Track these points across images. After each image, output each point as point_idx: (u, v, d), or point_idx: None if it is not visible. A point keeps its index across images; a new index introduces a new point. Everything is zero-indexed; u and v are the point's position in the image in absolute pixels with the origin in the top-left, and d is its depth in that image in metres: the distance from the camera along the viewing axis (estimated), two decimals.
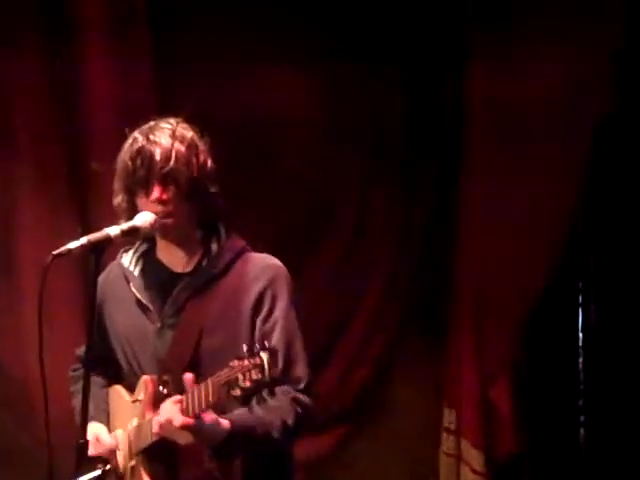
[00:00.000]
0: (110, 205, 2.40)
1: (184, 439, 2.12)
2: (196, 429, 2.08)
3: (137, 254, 2.45)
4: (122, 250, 2.49)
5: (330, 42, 4.15)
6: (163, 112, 2.44)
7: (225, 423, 2.15)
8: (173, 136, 2.29)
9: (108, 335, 2.44)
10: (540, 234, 4.34)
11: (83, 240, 2.12)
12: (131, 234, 2.23)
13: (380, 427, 4.36)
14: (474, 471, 4.36)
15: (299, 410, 2.23)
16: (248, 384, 1.90)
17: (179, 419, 2.06)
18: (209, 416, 2.08)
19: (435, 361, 4.50)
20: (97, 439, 2.33)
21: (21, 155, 3.62)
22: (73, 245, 2.12)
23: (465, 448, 4.40)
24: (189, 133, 2.34)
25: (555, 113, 4.26)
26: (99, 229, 2.19)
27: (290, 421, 2.21)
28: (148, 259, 2.43)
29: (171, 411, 2.08)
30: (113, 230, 2.18)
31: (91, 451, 2.26)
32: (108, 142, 3.38)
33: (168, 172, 2.26)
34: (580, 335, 4.83)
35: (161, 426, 2.11)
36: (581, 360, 4.82)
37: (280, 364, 1.99)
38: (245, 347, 1.95)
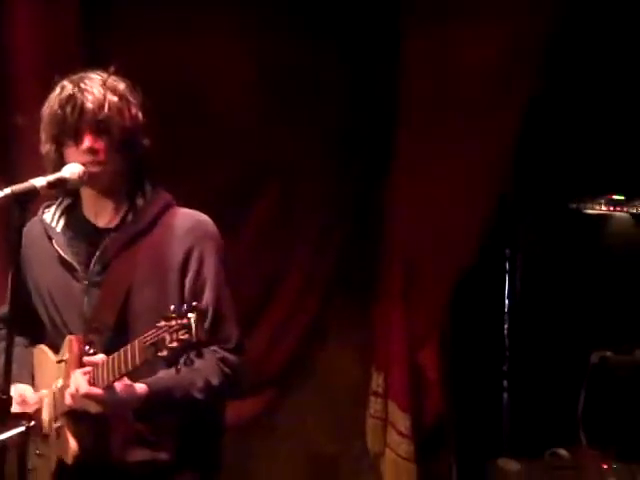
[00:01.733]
0: (35, 160, 2.33)
1: (93, 408, 2.09)
2: (104, 399, 2.06)
3: (60, 210, 2.38)
4: (43, 206, 2.41)
5: (266, 10, 4.09)
6: (91, 65, 2.37)
7: (141, 389, 2.12)
8: (105, 86, 2.24)
9: (30, 294, 2.38)
10: (469, 202, 4.38)
11: (7, 191, 2.04)
12: (58, 186, 2.16)
13: (308, 390, 4.38)
14: (400, 433, 4.41)
15: (226, 370, 2.21)
16: (175, 344, 1.87)
17: (84, 388, 2.04)
18: (122, 384, 2.05)
19: (364, 325, 4.53)
20: (23, 399, 2.28)
21: None
22: None
23: (392, 411, 4.44)
24: (121, 85, 2.29)
25: (488, 84, 4.28)
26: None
27: (215, 381, 2.19)
28: (71, 214, 2.37)
29: (79, 381, 2.06)
30: (39, 181, 2.10)
31: (16, 409, 2.21)
32: (32, 94, 3.28)
33: (100, 121, 2.21)
34: (506, 302, 4.92)
35: (72, 396, 2.09)
36: (506, 326, 4.91)
37: (207, 324, 1.96)
38: (172, 307, 1.92)
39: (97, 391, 2.05)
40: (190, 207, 2.38)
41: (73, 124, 2.21)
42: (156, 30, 3.87)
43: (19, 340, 2.41)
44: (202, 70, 3.95)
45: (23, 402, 2.28)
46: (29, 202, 2.09)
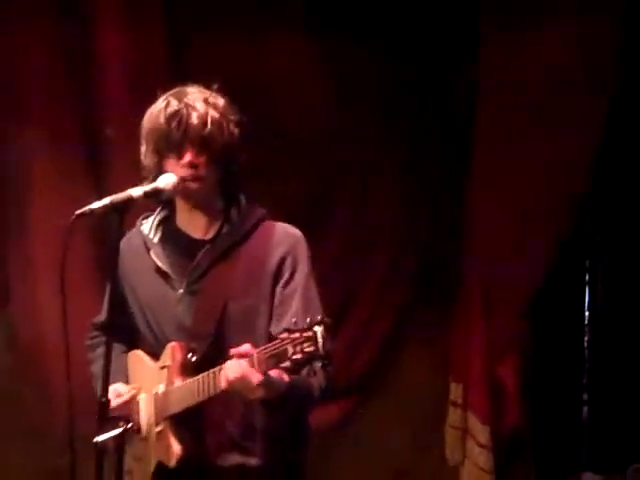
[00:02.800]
0: (123, 171, 2.40)
1: (254, 394, 2.11)
2: (266, 384, 2.08)
3: (156, 221, 2.45)
4: (141, 217, 2.49)
5: (342, 25, 4.12)
6: (176, 80, 2.43)
7: (285, 376, 2.15)
8: (207, 102, 2.29)
9: (127, 302, 2.44)
10: (548, 213, 4.33)
11: (106, 200, 2.12)
12: (154, 195, 2.23)
13: (387, 400, 4.39)
14: (480, 444, 4.38)
15: (326, 377, 2.25)
16: (299, 356, 1.91)
17: (257, 376, 2.05)
18: (274, 371, 2.09)
19: (443, 336, 4.52)
20: (117, 393, 2.35)
21: (35, 120, 3.59)
22: (96, 205, 2.11)
23: (471, 422, 4.42)
24: (221, 100, 2.34)
25: (567, 92, 4.25)
26: (114, 194, 2.17)
27: (324, 384, 2.24)
28: (168, 226, 2.43)
29: (242, 368, 2.06)
30: (136, 191, 2.17)
31: (112, 403, 2.28)
32: (122, 107, 3.37)
33: (204, 137, 2.26)
34: (586, 314, 4.85)
35: (230, 382, 2.09)
36: (587, 339, 4.84)
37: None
38: (294, 319, 1.96)
39: (260, 376, 2.07)
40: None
41: (178, 139, 2.27)
42: (235, 47, 3.93)
43: (116, 345, 2.49)
44: (280, 86, 4.00)
45: (118, 395, 2.34)
46: (126, 212, 2.15)
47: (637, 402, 4.61)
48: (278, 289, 2.30)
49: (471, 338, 4.43)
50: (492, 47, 4.29)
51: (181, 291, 2.34)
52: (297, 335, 1.91)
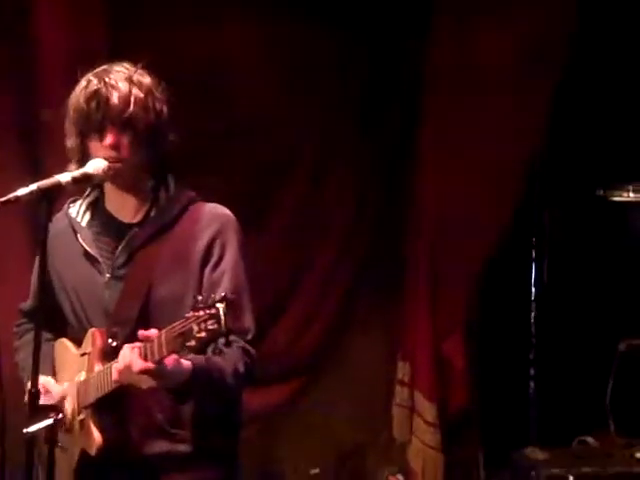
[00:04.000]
0: (62, 156, 2.34)
1: (145, 384, 2.08)
2: (157, 373, 2.05)
3: (84, 204, 2.39)
4: (69, 201, 2.42)
5: None
6: (115, 58, 2.37)
7: (187, 364, 2.12)
8: (130, 81, 2.23)
9: (54, 288, 2.39)
10: (495, 189, 4.35)
11: (32, 187, 2.07)
12: (83, 181, 2.18)
13: (334, 379, 4.40)
14: (426, 422, 4.41)
15: (247, 360, 2.22)
16: (203, 334, 1.87)
17: (139, 364, 2.03)
18: (170, 359, 2.05)
19: (390, 315, 4.53)
20: (46, 390, 2.30)
21: None
22: (21, 192, 2.06)
23: (418, 400, 4.44)
24: (147, 79, 2.28)
25: (517, 63, 4.25)
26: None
27: (241, 368, 2.20)
28: (96, 209, 2.37)
29: (130, 357, 2.04)
30: (64, 177, 2.12)
31: (41, 401, 2.23)
32: (58, 89, 3.29)
33: (126, 117, 2.21)
34: (532, 289, 4.89)
35: (120, 372, 2.07)
36: (533, 314, 4.88)
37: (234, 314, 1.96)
38: (199, 297, 1.92)
39: (150, 365, 2.04)
40: (218, 196, 2.38)
41: (98, 119, 2.21)
42: (176, 23, 3.87)
43: (42, 334, 2.44)
44: (223, 58, 3.95)
45: (47, 392, 2.29)
46: (55, 198, 2.11)
47: (582, 377, 4.67)
48: (206, 271, 2.26)
49: (418, 316, 4.45)
50: (443, 18, 4.27)
51: (108, 276, 2.29)
52: (201, 313, 1.88)
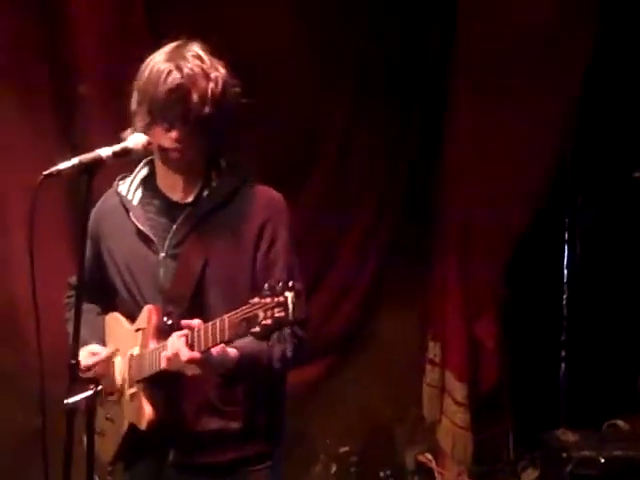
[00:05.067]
0: (97, 127, 2.34)
1: (191, 371, 2.12)
2: (202, 362, 2.08)
3: (135, 183, 2.40)
4: (118, 178, 2.43)
5: None
6: (152, 44, 2.34)
7: (233, 352, 2.15)
8: (208, 78, 2.21)
9: (105, 264, 2.40)
10: (527, 170, 4.33)
11: (74, 160, 2.07)
12: (123, 155, 2.17)
13: (365, 359, 4.41)
14: (457, 402, 4.42)
15: (296, 342, 2.24)
16: (269, 322, 1.87)
17: (185, 353, 2.06)
18: (216, 348, 2.08)
19: (421, 295, 4.53)
20: (92, 353, 2.33)
21: (4, 75, 3.51)
22: (63, 165, 2.06)
23: (449, 380, 4.45)
24: (222, 71, 2.26)
25: (546, 49, 4.21)
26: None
27: (289, 353, 2.22)
28: (147, 187, 2.38)
29: (177, 345, 2.07)
30: (105, 151, 2.12)
31: (87, 363, 2.26)
32: (95, 64, 3.31)
33: (201, 117, 2.20)
34: (565, 271, 4.87)
35: (168, 360, 2.11)
36: (565, 296, 4.86)
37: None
38: (266, 285, 1.91)
39: (196, 355, 2.07)
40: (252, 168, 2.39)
41: (173, 114, 2.20)
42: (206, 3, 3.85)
43: (92, 307, 2.47)
44: (253, 32, 3.92)
45: (93, 354, 2.32)
46: (96, 172, 2.11)
47: (613, 359, 4.65)
48: (259, 256, 2.27)
49: (448, 296, 4.45)
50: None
51: (162, 255, 2.30)
52: (268, 300, 1.88)
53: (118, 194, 2.40)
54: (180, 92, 2.20)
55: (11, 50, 3.51)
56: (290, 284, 1.88)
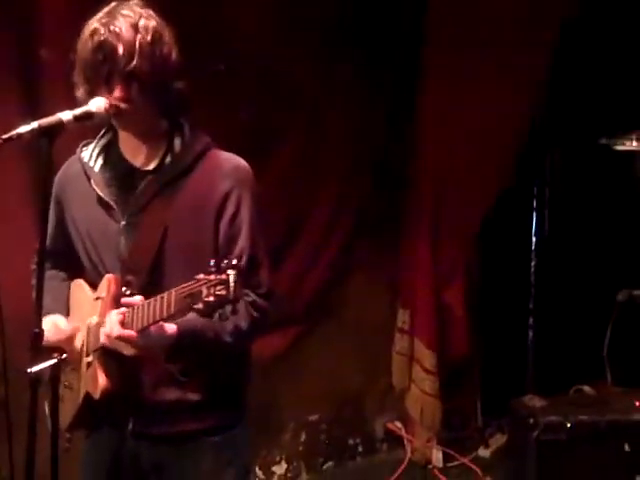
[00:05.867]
0: (63, 95, 2.29)
1: (127, 351, 2.10)
2: (136, 342, 2.06)
3: (97, 148, 2.34)
4: (82, 144, 2.38)
5: None
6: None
7: (171, 329, 2.11)
8: (136, 28, 2.15)
9: (69, 230, 2.36)
10: (496, 139, 4.33)
11: (34, 124, 2.01)
12: (84, 119, 2.11)
13: (334, 327, 4.41)
14: (426, 370, 4.44)
15: (255, 314, 2.19)
16: (211, 299, 1.85)
17: (116, 331, 2.04)
18: (154, 326, 2.05)
19: (390, 262, 4.53)
20: (56, 328, 2.28)
21: None
22: (23, 129, 2.00)
23: (418, 348, 4.47)
24: (152, 22, 2.19)
25: (517, 16, 4.20)
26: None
27: (244, 325, 2.18)
28: (109, 153, 2.32)
29: (113, 322, 2.06)
30: (66, 115, 2.06)
31: (49, 337, 2.22)
32: (59, 28, 3.23)
33: (132, 70, 2.14)
34: (533, 238, 4.89)
35: (107, 336, 2.09)
36: (533, 263, 4.89)
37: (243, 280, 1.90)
38: (212, 262, 1.88)
39: (130, 333, 2.05)
40: (219, 135, 2.34)
41: (104, 72, 2.15)
42: None
43: (56, 274, 2.43)
44: (222, 5, 3.86)
45: (57, 330, 2.28)
46: (56, 136, 2.06)
47: (581, 326, 4.69)
48: (222, 224, 2.22)
49: (418, 264, 4.45)
50: None
51: (123, 223, 2.25)
52: (212, 277, 1.86)
53: (80, 160, 2.35)
54: (104, 48, 2.14)
55: None
56: (234, 262, 1.86)
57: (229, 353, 2.26)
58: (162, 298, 1.99)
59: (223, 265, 1.86)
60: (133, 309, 2.07)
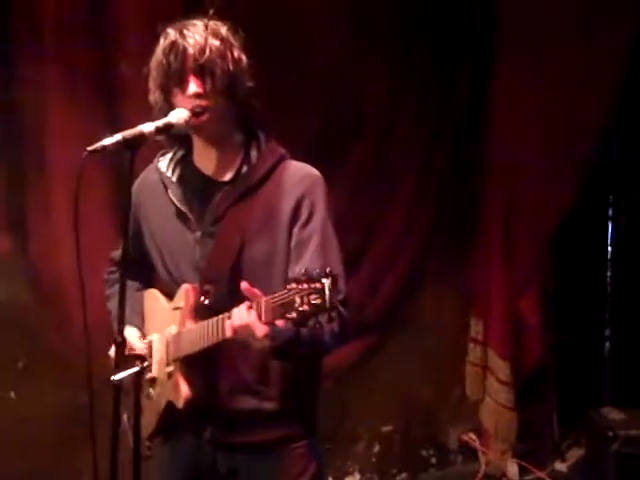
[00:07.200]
0: (140, 109, 2.33)
1: (259, 343, 2.07)
2: (271, 335, 2.03)
3: (174, 160, 2.38)
4: (159, 154, 2.41)
5: None
6: (193, 10, 2.35)
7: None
8: (206, 30, 2.20)
9: (144, 239, 2.39)
10: (573, 144, 4.26)
11: (117, 136, 2.06)
12: (165, 131, 2.15)
13: (408, 337, 4.37)
14: (499, 381, 4.38)
15: (341, 320, 2.16)
16: (306, 308, 1.83)
17: (261, 329, 1.99)
18: (281, 321, 1.99)
19: (464, 272, 4.49)
20: (130, 347, 2.29)
21: (51, 57, 3.53)
22: (107, 141, 2.04)
23: (491, 358, 4.41)
24: (223, 28, 2.24)
25: (591, 14, 4.13)
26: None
27: (336, 328, 2.15)
28: (185, 165, 2.35)
29: (248, 317, 2.01)
30: (147, 127, 2.10)
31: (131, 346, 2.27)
32: (138, 44, 3.31)
33: (203, 64, 2.17)
34: (609, 248, 4.80)
35: (236, 330, 2.05)
36: (609, 274, 4.80)
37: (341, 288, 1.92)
38: (303, 270, 1.87)
39: (268, 329, 2.00)
40: (289, 147, 2.36)
41: (177, 70, 2.19)
42: None
43: (132, 283, 2.45)
44: (297, 9, 3.88)
45: (130, 349, 2.29)
46: (138, 148, 2.10)
47: None
48: (295, 231, 2.23)
49: (492, 273, 4.40)
50: None
51: (199, 233, 2.28)
52: (305, 286, 1.84)
53: (158, 170, 2.39)
54: (176, 47, 2.19)
55: (57, 32, 3.53)
56: (327, 270, 1.84)
57: (320, 358, 2.29)
58: (262, 300, 1.98)
59: (316, 273, 1.85)
60: (259, 303, 2.00)
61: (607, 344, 4.82)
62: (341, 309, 2.18)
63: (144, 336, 2.39)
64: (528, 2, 4.21)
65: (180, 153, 2.39)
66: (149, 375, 2.31)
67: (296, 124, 3.78)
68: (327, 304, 1.83)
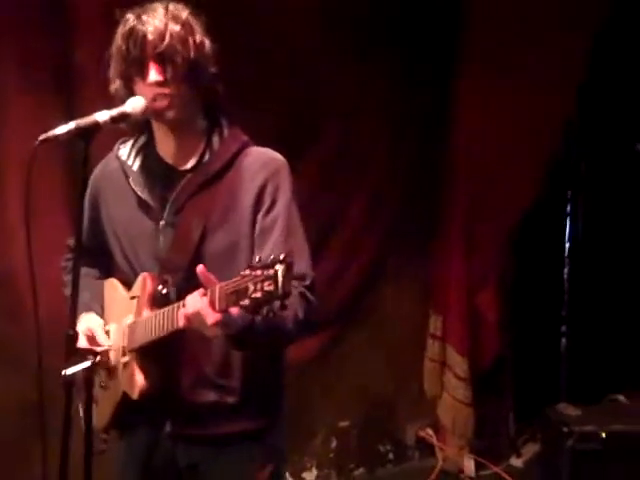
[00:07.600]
0: (98, 99, 2.28)
1: (212, 332, 2.02)
2: (224, 323, 1.98)
3: (135, 147, 2.33)
4: (119, 142, 2.37)
5: None
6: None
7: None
8: (166, 15, 2.15)
9: (104, 228, 2.35)
10: (530, 142, 4.28)
11: (70, 125, 2.00)
12: (121, 120, 2.10)
13: (366, 332, 4.37)
14: (457, 377, 4.40)
15: (306, 306, 2.13)
16: (259, 295, 1.79)
17: (211, 316, 1.95)
18: (234, 309, 1.96)
19: (423, 268, 4.49)
20: (92, 336, 2.26)
21: (3, 47, 3.46)
22: (60, 130, 1.99)
23: (450, 354, 4.42)
24: (184, 12, 2.19)
25: (555, 14, 4.15)
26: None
27: (301, 314, 2.12)
28: (147, 153, 2.31)
29: (201, 305, 1.97)
30: (102, 116, 2.04)
31: (83, 344, 2.21)
32: (95, 31, 3.25)
33: (163, 51, 2.12)
34: (567, 244, 4.83)
35: (188, 318, 2.01)
36: (566, 270, 4.83)
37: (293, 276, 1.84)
38: (258, 257, 1.84)
39: (220, 317, 1.95)
40: (255, 135, 2.31)
41: (137, 57, 2.14)
42: None
43: (90, 271, 2.42)
44: (262, 6, 3.85)
45: (92, 340, 2.26)
46: (93, 137, 2.04)
47: (614, 334, 4.63)
48: (259, 218, 2.19)
49: (451, 269, 4.42)
50: None
51: (162, 222, 2.24)
52: (259, 273, 1.80)
53: (118, 158, 2.34)
54: (135, 33, 2.14)
55: (10, 22, 3.46)
56: (282, 257, 1.80)
57: (283, 346, 2.25)
58: (217, 286, 1.93)
59: (270, 260, 1.81)
60: (214, 291, 1.95)
61: (563, 340, 4.85)
62: (308, 294, 2.15)
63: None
64: (493, 2, 4.21)
65: (142, 140, 2.34)
66: (104, 365, 2.26)
67: (256, 117, 3.75)
68: (279, 291, 1.79)
